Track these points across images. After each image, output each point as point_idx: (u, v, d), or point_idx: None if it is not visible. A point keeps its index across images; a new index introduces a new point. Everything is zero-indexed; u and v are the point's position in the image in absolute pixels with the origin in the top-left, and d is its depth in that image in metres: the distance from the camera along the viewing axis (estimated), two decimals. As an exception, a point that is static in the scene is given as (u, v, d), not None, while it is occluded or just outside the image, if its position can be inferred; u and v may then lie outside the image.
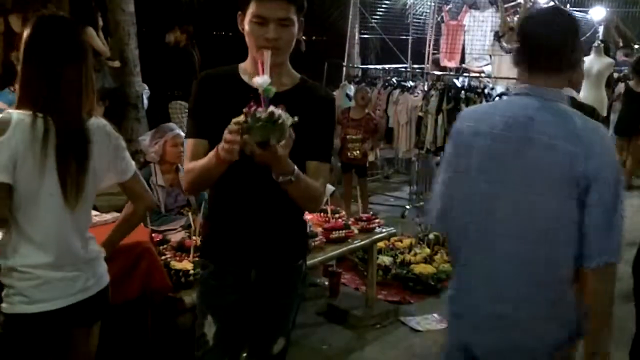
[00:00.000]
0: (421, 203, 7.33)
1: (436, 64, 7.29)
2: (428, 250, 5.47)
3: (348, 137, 6.71)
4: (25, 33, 2.17)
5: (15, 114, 2.10)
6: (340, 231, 4.19)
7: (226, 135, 1.86)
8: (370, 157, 7.16)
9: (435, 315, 4.52)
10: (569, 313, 1.94)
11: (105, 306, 2.37)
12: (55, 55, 2.13)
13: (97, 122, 2.26)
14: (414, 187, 7.41)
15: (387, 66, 8.31)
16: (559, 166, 1.86)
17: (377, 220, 4.49)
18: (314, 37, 11.98)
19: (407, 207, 7.17)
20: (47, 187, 2.13)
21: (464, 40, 7.41)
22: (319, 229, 4.19)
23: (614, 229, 1.85)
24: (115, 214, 3.45)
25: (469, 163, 1.99)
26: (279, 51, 2.05)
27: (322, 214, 4.43)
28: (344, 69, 8.00)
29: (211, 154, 1.99)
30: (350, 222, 4.39)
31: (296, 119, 1.85)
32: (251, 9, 2.06)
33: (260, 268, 2.25)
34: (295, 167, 1.97)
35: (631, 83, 7.64)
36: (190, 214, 4.16)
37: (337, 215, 4.47)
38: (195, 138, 2.18)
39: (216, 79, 2.21)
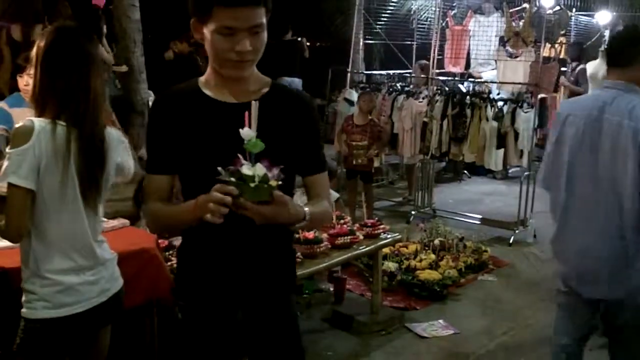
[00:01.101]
0: (426, 209, 7.34)
1: (424, 69, 7.28)
2: (433, 256, 5.46)
3: (353, 143, 6.71)
4: (42, 43, 2.22)
5: (37, 121, 2.15)
6: (346, 237, 4.19)
7: (215, 196, 1.63)
8: (375, 163, 7.18)
9: (441, 321, 4.51)
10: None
11: (120, 307, 2.44)
12: (74, 65, 2.20)
13: (112, 130, 2.37)
14: (418, 192, 7.39)
15: (391, 72, 8.31)
16: (624, 138, 2.51)
17: (382, 226, 4.48)
18: (318, 44, 12.00)
19: (412, 212, 7.15)
20: (69, 193, 2.19)
21: (469, 46, 7.41)
22: (324, 235, 4.20)
23: None
24: (123, 220, 3.47)
25: (565, 138, 2.71)
26: (251, 63, 1.83)
27: (327, 219, 4.44)
28: (348, 74, 8.00)
29: (187, 208, 1.76)
30: (355, 228, 4.39)
31: (281, 178, 1.67)
32: (215, 18, 1.73)
33: (247, 307, 1.97)
34: (306, 210, 1.77)
35: None
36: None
37: (342, 221, 4.47)
38: (157, 174, 1.92)
39: (175, 98, 1.90)
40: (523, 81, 6.42)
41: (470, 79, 7.55)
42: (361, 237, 4.30)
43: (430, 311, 4.71)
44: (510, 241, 6.33)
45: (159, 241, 3.51)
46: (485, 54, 6.95)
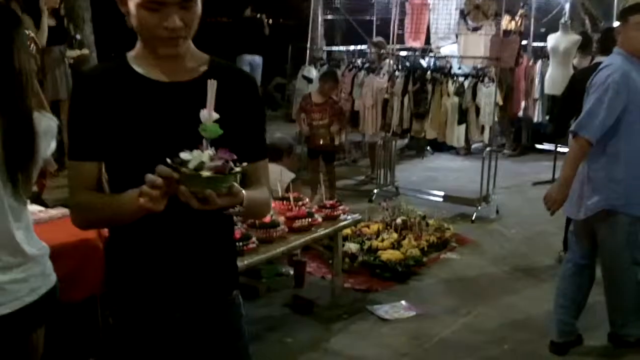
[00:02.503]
0: (389, 187, 7.23)
1: (377, 46, 7.12)
2: (395, 236, 5.36)
3: (314, 123, 6.56)
4: None
5: None
6: (304, 220, 4.04)
7: (154, 181, 1.45)
8: (336, 141, 7.03)
9: (404, 302, 4.41)
10: None
11: (55, 306, 2.24)
12: None
13: (43, 116, 2.16)
14: (380, 170, 7.28)
15: (351, 47, 8.14)
16: None
17: (341, 207, 4.34)
18: (281, 20, 11.73)
19: (375, 191, 7.04)
20: None
21: (429, 20, 7.25)
22: (282, 218, 4.05)
23: None
24: (63, 210, 3.26)
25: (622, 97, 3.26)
26: (183, 39, 1.63)
27: (284, 202, 4.29)
28: (307, 51, 7.81)
29: (130, 197, 1.53)
30: (313, 210, 4.25)
31: (245, 164, 1.53)
32: None
33: (185, 309, 1.76)
34: (244, 193, 1.56)
35: (575, 60, 7.65)
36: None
37: (300, 203, 4.32)
38: (83, 161, 1.69)
39: (101, 76, 1.69)
40: (484, 55, 6.32)
41: (431, 54, 7.41)
42: (320, 219, 4.16)
43: (393, 292, 4.61)
44: (473, 218, 6.26)
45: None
46: (445, 28, 6.80)
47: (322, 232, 4.13)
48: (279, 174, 4.90)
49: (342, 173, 7.96)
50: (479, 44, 6.44)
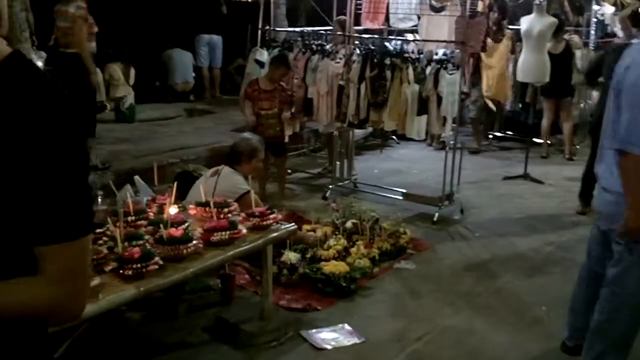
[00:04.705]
0: (345, 182, 6.62)
1: (342, 25, 6.46)
2: (344, 242, 4.75)
3: (262, 112, 5.92)
4: None
5: None
6: (224, 232, 3.40)
7: None
8: (288, 131, 6.39)
9: (346, 326, 3.79)
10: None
11: None
12: None
13: None
14: (336, 164, 6.66)
15: (305, 29, 7.46)
16: None
17: (272, 216, 3.70)
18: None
19: (330, 186, 6.42)
20: None
21: (388, -1, 6.57)
22: (198, 230, 3.41)
23: None
24: None
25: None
26: None
27: (207, 208, 3.65)
28: (259, 33, 7.11)
29: None
30: (239, 219, 3.61)
31: None
32: None
33: None
34: None
35: (549, 45, 7.11)
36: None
37: (225, 210, 3.68)
38: None
39: None
40: (448, 38, 5.67)
41: (394, 37, 6.74)
42: (244, 230, 3.52)
43: (335, 312, 4.00)
44: (435, 219, 5.67)
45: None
46: (406, 9, 6.13)
47: (246, 246, 3.48)
48: (231, 185, 4.25)
49: (298, 165, 7.36)
50: (443, 26, 5.80)
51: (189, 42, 9.89)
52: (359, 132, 7.33)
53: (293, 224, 3.93)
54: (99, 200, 3.81)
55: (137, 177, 4.97)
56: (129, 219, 3.51)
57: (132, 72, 8.74)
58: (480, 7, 6.10)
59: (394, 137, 8.53)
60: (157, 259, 3.05)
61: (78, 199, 1.15)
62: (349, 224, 5.00)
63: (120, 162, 6.43)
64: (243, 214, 3.72)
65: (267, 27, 7.17)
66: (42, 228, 1.13)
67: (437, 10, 5.86)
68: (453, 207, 5.89)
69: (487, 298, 4.26)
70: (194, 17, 9.79)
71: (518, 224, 5.73)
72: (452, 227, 5.60)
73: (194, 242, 3.25)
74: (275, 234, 3.68)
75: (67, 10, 6.06)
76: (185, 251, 3.20)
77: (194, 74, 9.95)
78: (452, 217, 5.80)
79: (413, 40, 6.33)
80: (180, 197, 4.31)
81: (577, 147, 8.13)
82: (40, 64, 7.10)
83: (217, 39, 10.08)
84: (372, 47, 5.92)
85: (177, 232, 3.28)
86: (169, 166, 6.15)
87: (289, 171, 6.90)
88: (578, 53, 8.03)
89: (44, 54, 6.99)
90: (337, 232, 4.94)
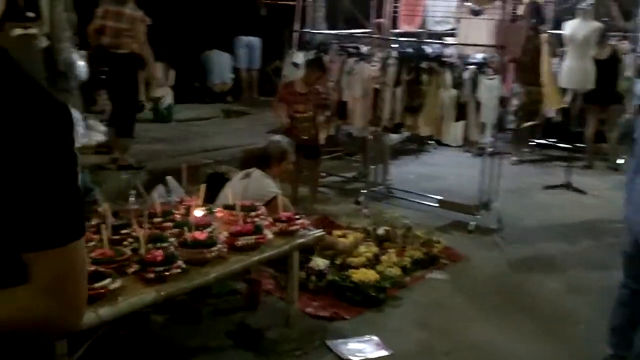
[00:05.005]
0: (380, 187, 6.50)
1: (380, 28, 6.33)
2: (375, 249, 4.64)
3: (297, 115, 5.84)
4: None
5: None
6: (249, 237, 3.33)
7: None
8: (323, 134, 6.30)
9: (374, 338, 3.67)
10: None
11: None
12: None
13: None
14: (371, 168, 6.54)
15: (341, 32, 7.36)
16: None
17: (299, 221, 3.62)
18: (278, 1, 10.94)
19: (363, 191, 6.31)
20: None
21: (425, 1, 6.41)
22: (224, 234, 3.35)
23: None
24: None
25: None
26: None
27: (233, 211, 3.60)
28: (294, 35, 7.03)
29: None
30: (266, 224, 3.54)
31: None
32: None
33: None
34: None
35: (595, 51, 6.85)
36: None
37: (252, 214, 3.61)
38: None
39: None
40: (486, 42, 5.51)
41: (433, 41, 6.60)
42: (270, 235, 3.45)
43: (362, 322, 3.89)
44: (471, 228, 5.51)
45: None
46: (443, 11, 5.97)
47: (271, 252, 3.42)
48: (261, 188, 4.19)
49: (332, 168, 7.24)
50: (482, 30, 5.63)
51: (228, 44, 9.90)
52: (395, 136, 7.20)
53: (321, 230, 3.85)
54: (132, 199, 3.77)
55: (169, 178, 4.95)
56: (156, 220, 3.49)
57: (172, 72, 8.79)
58: (520, 11, 5.91)
59: (432, 141, 8.36)
60: (179, 262, 3.01)
61: (66, 202, 1.09)
62: (380, 231, 4.89)
63: (155, 162, 6.45)
64: (270, 219, 3.65)
65: (303, 30, 7.09)
66: (29, 233, 1.06)
67: (476, 13, 5.70)
68: (490, 216, 5.71)
69: (521, 314, 4.09)
70: (233, 19, 9.80)
71: (558, 236, 5.52)
72: (488, 237, 5.43)
73: (218, 246, 3.20)
74: (301, 240, 3.61)
75: (122, 11, 6.06)
76: (208, 255, 3.15)
77: (232, 75, 9.97)
78: (488, 226, 5.62)
79: (451, 44, 6.17)
80: (211, 199, 4.28)
81: (623, 157, 7.84)
82: (82, 63, 7.21)
83: (255, 40, 10.08)
84: (409, 51, 5.79)
85: (201, 235, 3.23)
86: (202, 167, 6.13)
87: (323, 174, 6.82)
88: (626, 59, 7.74)
89: (84, 54, 7.08)
90: (368, 239, 4.83)
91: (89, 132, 6.99)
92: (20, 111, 1.05)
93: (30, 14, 5.88)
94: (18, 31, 5.73)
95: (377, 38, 6.23)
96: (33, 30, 5.88)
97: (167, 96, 8.52)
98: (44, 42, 6.27)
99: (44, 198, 1.06)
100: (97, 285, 2.67)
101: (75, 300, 1.12)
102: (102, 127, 6.89)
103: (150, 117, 8.36)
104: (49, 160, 1.06)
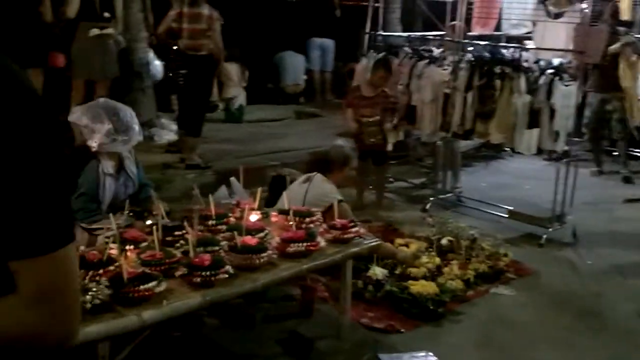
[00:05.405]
0: (448, 195, 6.29)
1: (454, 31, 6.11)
2: (438, 260, 4.47)
3: (364, 119, 5.74)
4: None
5: None
6: (300, 243, 3.24)
7: None
8: (391, 140, 6.16)
9: (430, 354, 3.51)
10: None
11: None
12: None
13: None
14: (441, 174, 6.35)
15: (412, 34, 7.18)
16: None
17: (354, 229, 3.51)
18: (352, 2, 10.85)
19: (431, 198, 6.12)
20: None
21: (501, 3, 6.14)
22: (276, 239, 3.28)
23: None
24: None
25: None
26: None
27: (287, 217, 3.52)
28: (365, 37, 6.90)
29: None
30: (320, 231, 3.45)
31: None
32: None
33: None
34: None
35: None
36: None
37: (307, 220, 3.53)
38: None
39: None
40: (565, 47, 5.21)
41: (509, 45, 6.32)
42: (323, 243, 3.35)
43: (418, 336, 3.74)
44: (542, 241, 5.23)
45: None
46: (519, 14, 5.70)
47: (323, 260, 3.32)
48: (321, 193, 4.12)
49: (400, 173, 7.07)
50: (560, 33, 5.34)
51: (302, 45, 9.89)
52: (468, 142, 6.97)
53: (377, 239, 3.72)
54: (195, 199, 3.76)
55: (232, 179, 4.93)
56: (210, 222, 3.46)
57: (246, 73, 8.86)
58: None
59: (507, 148, 8.04)
60: (227, 267, 2.95)
61: (52, 207, 1.01)
62: (444, 241, 4.72)
63: (222, 162, 6.49)
64: (325, 225, 3.56)
65: (373, 32, 6.96)
66: (14, 240, 1.00)
67: (555, 16, 5.41)
68: (564, 229, 5.41)
69: (588, 337, 3.82)
70: (307, 21, 9.78)
71: (636, 254, 5.17)
72: (560, 252, 5.14)
73: (268, 252, 3.13)
74: (355, 249, 3.48)
75: (199, 12, 6.12)
76: (257, 261, 3.08)
77: (305, 77, 9.95)
78: (561, 240, 5.32)
79: (528, 48, 5.88)
80: (272, 202, 4.23)
81: None
82: (157, 62, 7.36)
83: (329, 42, 10.02)
84: (483, 54, 5.56)
85: (251, 240, 3.17)
86: (266, 169, 6.10)
87: (391, 179, 6.68)
88: None
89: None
90: (431, 249, 4.66)
91: (160, 131, 7.13)
92: (5, 109, 0.98)
93: (106, 14, 6.03)
94: (95, 31, 5.88)
95: (449, 41, 6.02)
96: (109, 30, 6.02)
97: (239, 96, 8.59)
98: (122, 43, 6.43)
99: (29, 202, 0.98)
100: (142, 287, 2.65)
101: (64, 314, 1.05)
102: (174, 127, 7.01)
103: (222, 117, 8.46)
104: (35, 161, 0.99)
